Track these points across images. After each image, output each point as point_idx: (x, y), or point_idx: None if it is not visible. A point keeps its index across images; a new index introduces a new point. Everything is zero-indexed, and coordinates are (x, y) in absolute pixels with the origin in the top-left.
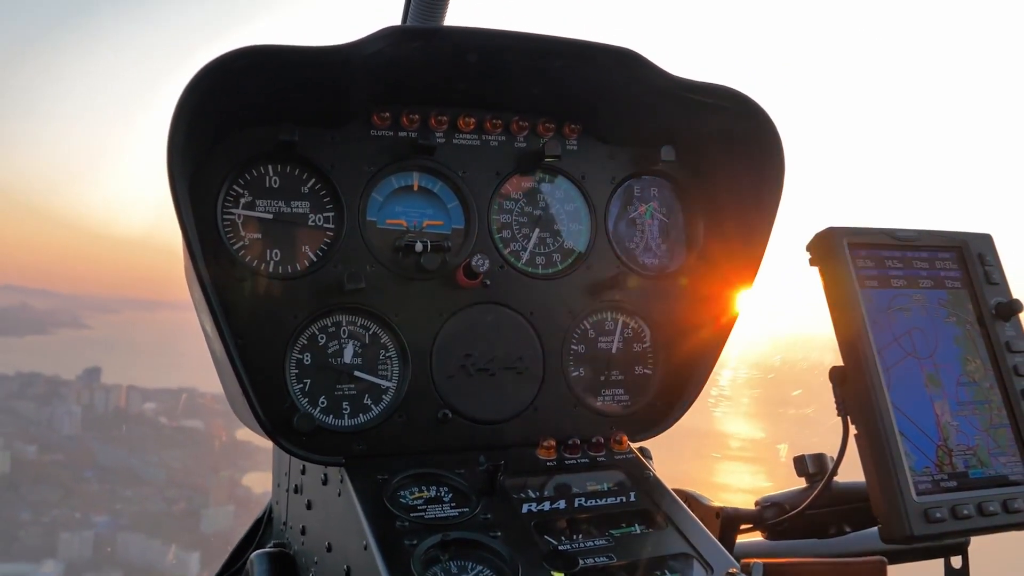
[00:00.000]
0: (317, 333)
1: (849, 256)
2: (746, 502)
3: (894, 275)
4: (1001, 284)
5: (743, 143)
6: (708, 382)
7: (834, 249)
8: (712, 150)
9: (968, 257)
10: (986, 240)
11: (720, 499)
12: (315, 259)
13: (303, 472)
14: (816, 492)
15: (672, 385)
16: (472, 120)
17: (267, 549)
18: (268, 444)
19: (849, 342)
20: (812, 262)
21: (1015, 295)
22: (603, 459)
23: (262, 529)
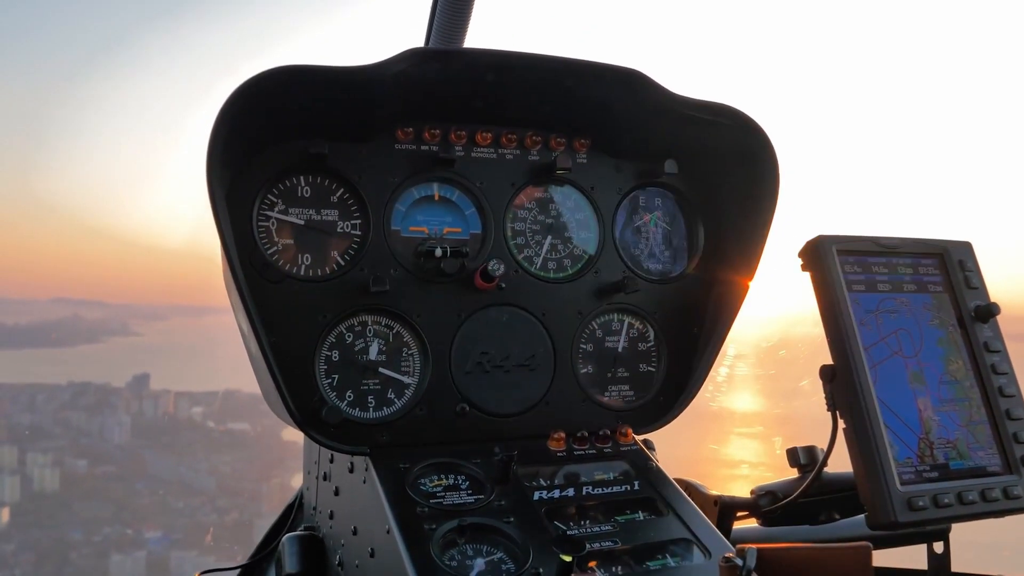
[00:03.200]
0: (344, 332)
1: (838, 262)
2: (743, 491)
3: (880, 280)
4: (980, 288)
5: (741, 157)
6: (708, 378)
7: (824, 256)
8: (712, 163)
9: (949, 263)
10: (966, 247)
11: (718, 488)
12: (343, 263)
13: (331, 461)
14: (807, 482)
15: (674, 382)
16: (489, 135)
17: (298, 532)
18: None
19: (838, 341)
20: (803, 267)
21: (993, 299)
22: (609, 450)
23: (293, 514)
